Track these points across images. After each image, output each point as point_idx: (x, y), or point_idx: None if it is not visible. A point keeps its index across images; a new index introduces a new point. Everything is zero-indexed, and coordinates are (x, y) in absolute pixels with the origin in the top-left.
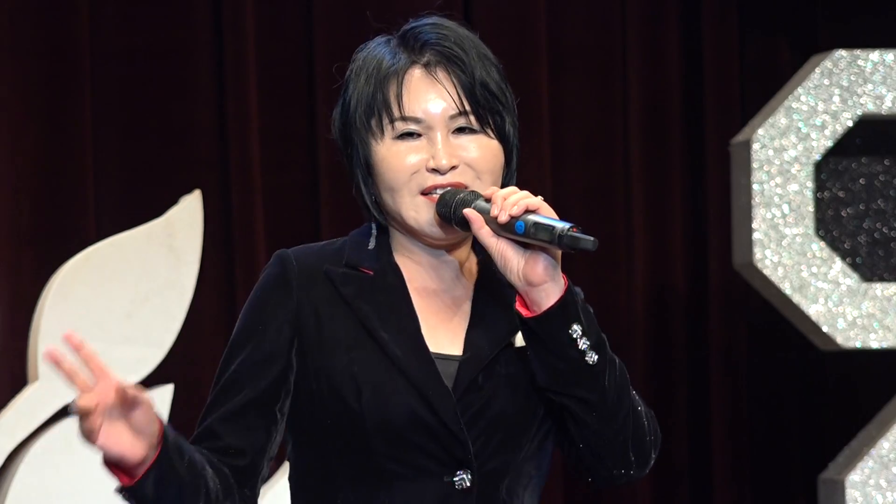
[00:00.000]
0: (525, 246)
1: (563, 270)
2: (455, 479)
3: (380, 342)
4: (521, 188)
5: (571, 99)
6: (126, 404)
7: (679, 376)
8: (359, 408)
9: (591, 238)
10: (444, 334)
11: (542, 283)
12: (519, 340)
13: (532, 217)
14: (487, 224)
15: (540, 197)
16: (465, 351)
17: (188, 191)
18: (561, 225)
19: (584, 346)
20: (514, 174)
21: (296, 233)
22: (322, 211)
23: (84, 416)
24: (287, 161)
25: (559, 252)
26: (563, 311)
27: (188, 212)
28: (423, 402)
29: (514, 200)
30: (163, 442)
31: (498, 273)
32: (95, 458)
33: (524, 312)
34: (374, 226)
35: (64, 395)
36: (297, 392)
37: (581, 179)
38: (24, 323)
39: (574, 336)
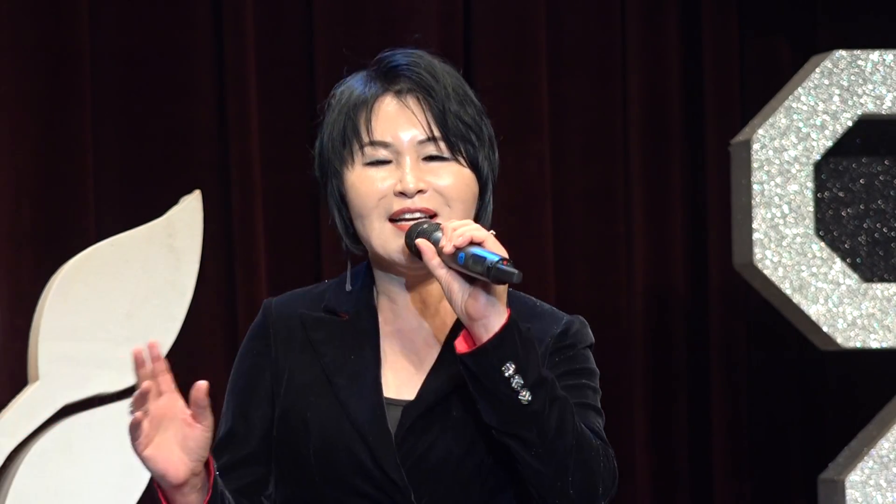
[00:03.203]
0: (470, 280)
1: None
2: None
3: (335, 388)
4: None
5: (571, 99)
6: (187, 424)
7: (679, 376)
8: (309, 455)
9: (516, 272)
10: (408, 378)
11: (480, 317)
12: None
13: (472, 249)
14: (439, 255)
15: (491, 231)
16: (417, 394)
17: (188, 191)
18: (492, 257)
19: (518, 385)
20: (488, 207)
21: (296, 233)
22: (322, 211)
23: (136, 420)
24: (287, 161)
25: (501, 288)
26: (498, 348)
27: (188, 212)
28: (366, 450)
29: (461, 232)
30: (213, 487)
31: None
32: (95, 458)
33: (460, 348)
34: (365, 264)
35: (64, 395)
36: None
37: (581, 179)
38: (24, 323)
39: (507, 374)
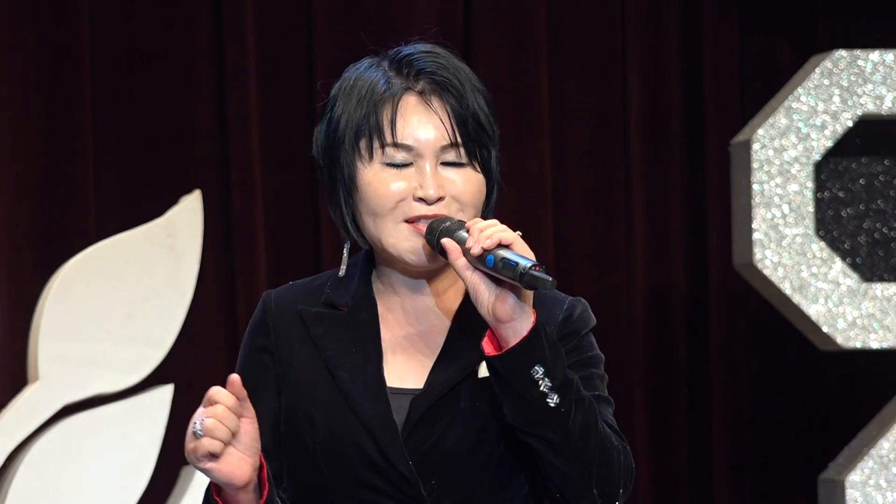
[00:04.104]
0: (497, 282)
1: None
2: None
3: (337, 381)
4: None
5: (571, 99)
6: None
7: (679, 376)
8: (314, 448)
9: (549, 279)
10: (412, 368)
11: (508, 320)
12: (484, 371)
13: (502, 252)
14: (465, 255)
15: (518, 232)
16: (424, 385)
17: (188, 191)
18: (524, 262)
19: (546, 388)
20: (493, 208)
21: (296, 233)
22: (322, 211)
23: (210, 442)
24: (287, 161)
25: (529, 291)
26: (527, 351)
27: (188, 212)
28: (372, 442)
29: (489, 233)
30: (269, 482)
31: None
32: (95, 458)
33: (488, 350)
34: (363, 254)
35: (64, 395)
36: None
37: (581, 179)
38: (24, 323)
39: (535, 377)
